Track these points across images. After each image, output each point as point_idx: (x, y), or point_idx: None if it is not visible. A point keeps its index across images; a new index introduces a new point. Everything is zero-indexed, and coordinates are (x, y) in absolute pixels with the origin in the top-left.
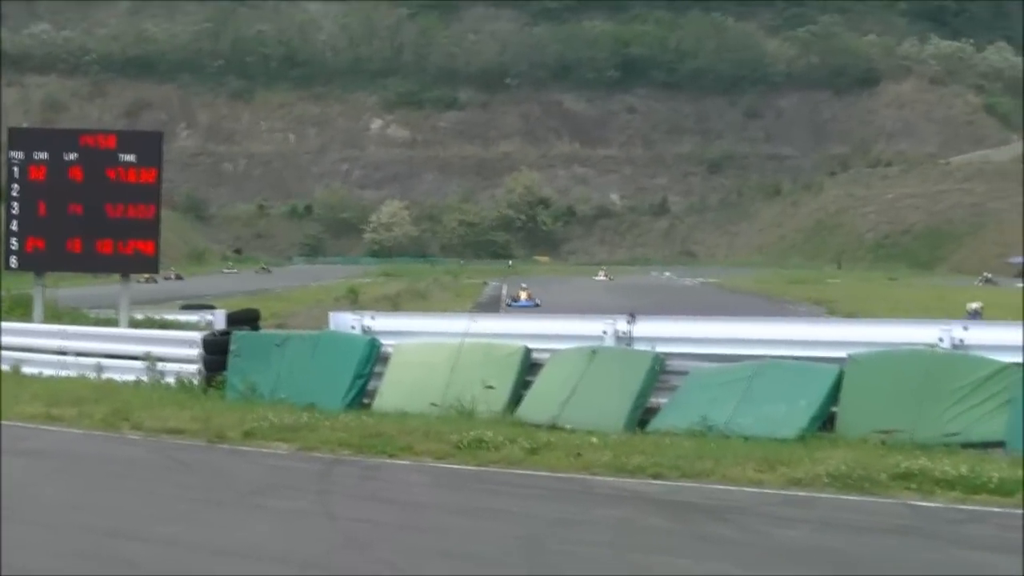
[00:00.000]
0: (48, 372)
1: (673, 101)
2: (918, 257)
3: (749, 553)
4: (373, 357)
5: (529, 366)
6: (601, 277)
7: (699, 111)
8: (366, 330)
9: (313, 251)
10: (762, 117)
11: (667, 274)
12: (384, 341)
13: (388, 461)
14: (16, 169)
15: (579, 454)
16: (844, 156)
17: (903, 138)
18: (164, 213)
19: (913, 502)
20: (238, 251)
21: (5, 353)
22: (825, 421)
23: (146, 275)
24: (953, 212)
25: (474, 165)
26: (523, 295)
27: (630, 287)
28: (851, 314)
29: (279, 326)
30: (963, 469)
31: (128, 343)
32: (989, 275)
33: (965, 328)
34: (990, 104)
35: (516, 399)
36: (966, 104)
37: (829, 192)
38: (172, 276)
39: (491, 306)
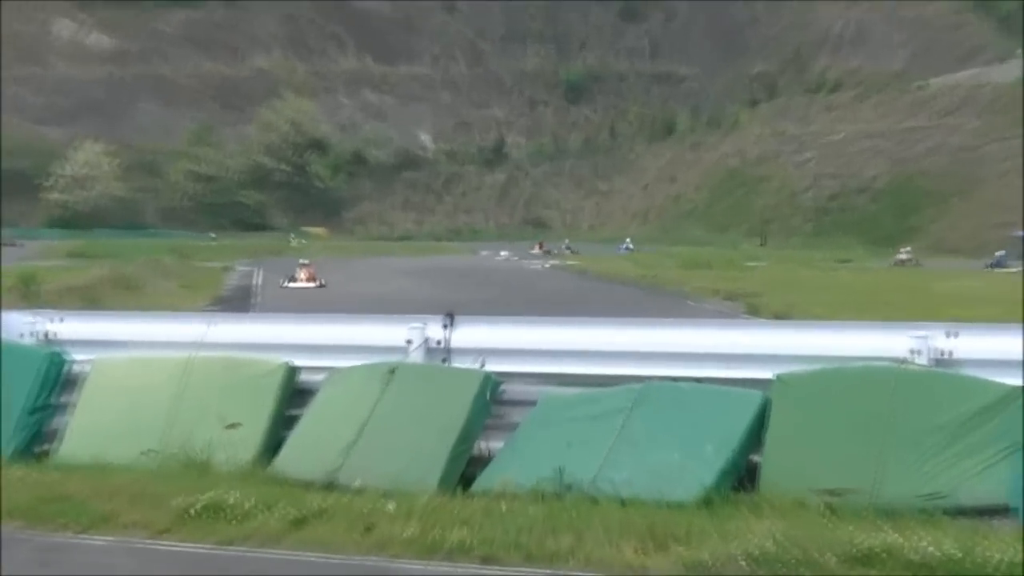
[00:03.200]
0: None
1: None
2: (880, 228)
3: None
4: (57, 380)
5: (294, 393)
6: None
7: (552, 10)
8: (47, 338)
9: None
10: (646, 19)
11: (504, 253)
12: (75, 355)
13: (77, 539)
14: None
15: (370, 527)
16: (769, 77)
17: (857, 50)
18: None
19: None
20: None
21: None
22: (742, 476)
23: None
24: (931, 160)
25: (214, 90)
26: (302, 274)
27: (448, 273)
28: (781, 314)
29: None
30: (950, 547)
31: None
32: (906, 253)
33: (952, 335)
34: (983, 1)
35: (274, 443)
36: (949, 2)
37: (747, 130)
38: None
39: (239, 302)
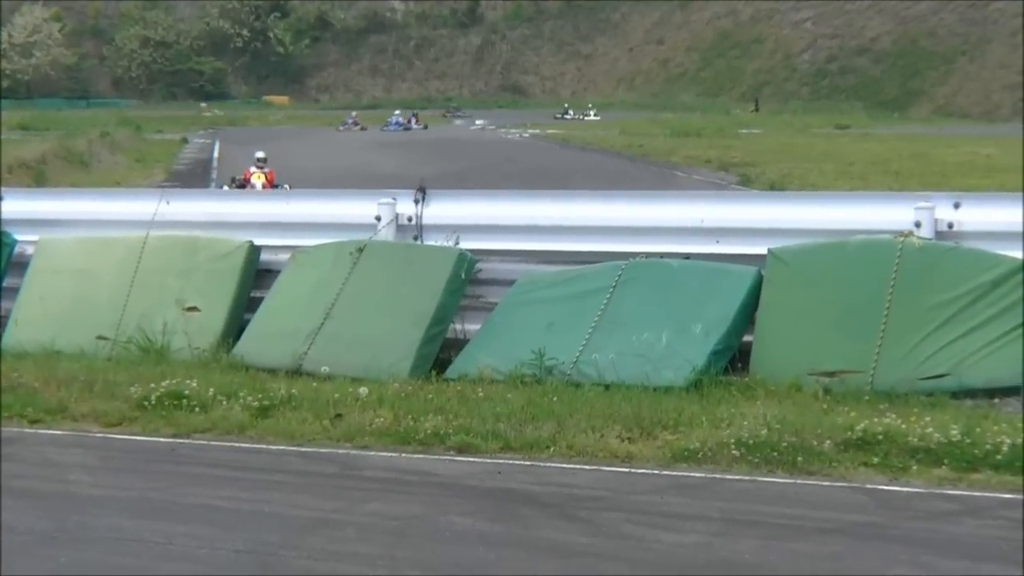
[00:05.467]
0: None
1: None
2: (882, 92)
3: (613, 572)
4: (2, 262)
5: (256, 274)
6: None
7: None
8: None
9: None
10: None
11: (480, 122)
12: (19, 236)
13: (28, 430)
14: None
15: (339, 415)
16: None
17: None
18: None
19: (875, 486)
20: None
21: None
22: (734, 357)
23: None
24: (937, 19)
25: None
26: (258, 179)
27: (420, 143)
28: (776, 185)
29: None
30: (954, 432)
31: None
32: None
33: (957, 206)
34: None
35: (236, 328)
36: None
37: None
38: None
39: (195, 177)
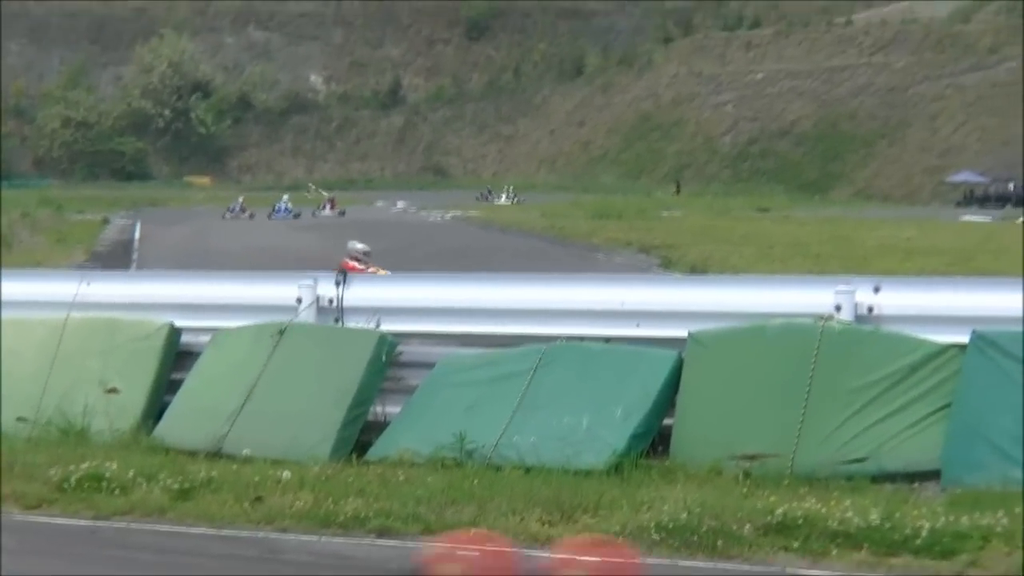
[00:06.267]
0: None
1: None
2: (803, 174)
3: None
4: None
5: (177, 355)
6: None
7: None
8: None
9: None
10: None
11: (401, 204)
12: None
13: None
14: None
15: (259, 497)
16: (684, 12)
17: None
18: None
19: (796, 570)
20: None
21: None
22: (654, 440)
23: None
24: (858, 102)
25: (88, 26)
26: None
27: (341, 225)
28: (697, 268)
29: None
30: (874, 516)
31: None
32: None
33: (877, 289)
34: None
35: (156, 410)
36: None
37: (662, 70)
38: None
39: (117, 257)
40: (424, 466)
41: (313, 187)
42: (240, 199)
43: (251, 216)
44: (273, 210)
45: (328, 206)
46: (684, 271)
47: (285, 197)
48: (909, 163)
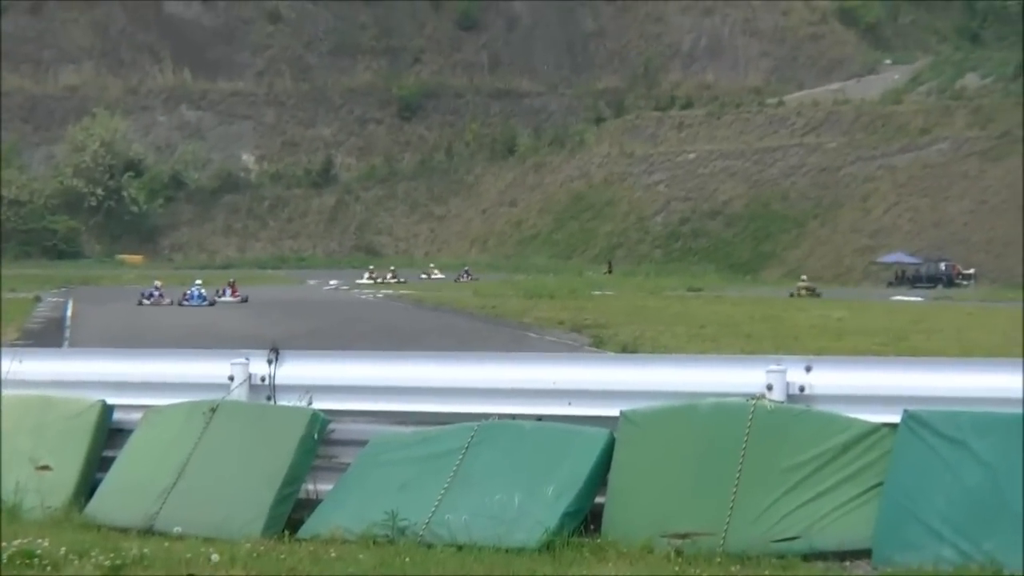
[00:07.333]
0: None
1: (343, 3)
2: (735, 254)
3: None
4: None
5: (109, 433)
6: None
7: (383, 18)
8: None
9: None
10: (485, 28)
11: (333, 283)
12: None
13: None
14: None
15: (191, 575)
16: (617, 93)
17: (710, 64)
18: None
19: None
20: None
21: None
22: (586, 518)
23: None
24: (789, 182)
25: (20, 106)
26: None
27: (273, 304)
28: (629, 347)
29: None
30: None
31: None
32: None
33: (808, 369)
34: (847, 9)
35: (88, 487)
36: (809, 9)
37: (594, 150)
38: None
39: (49, 335)
40: (356, 544)
41: (159, 284)
42: (157, 283)
43: (170, 303)
44: (184, 297)
45: (227, 291)
46: (616, 350)
47: (198, 282)
48: (840, 243)
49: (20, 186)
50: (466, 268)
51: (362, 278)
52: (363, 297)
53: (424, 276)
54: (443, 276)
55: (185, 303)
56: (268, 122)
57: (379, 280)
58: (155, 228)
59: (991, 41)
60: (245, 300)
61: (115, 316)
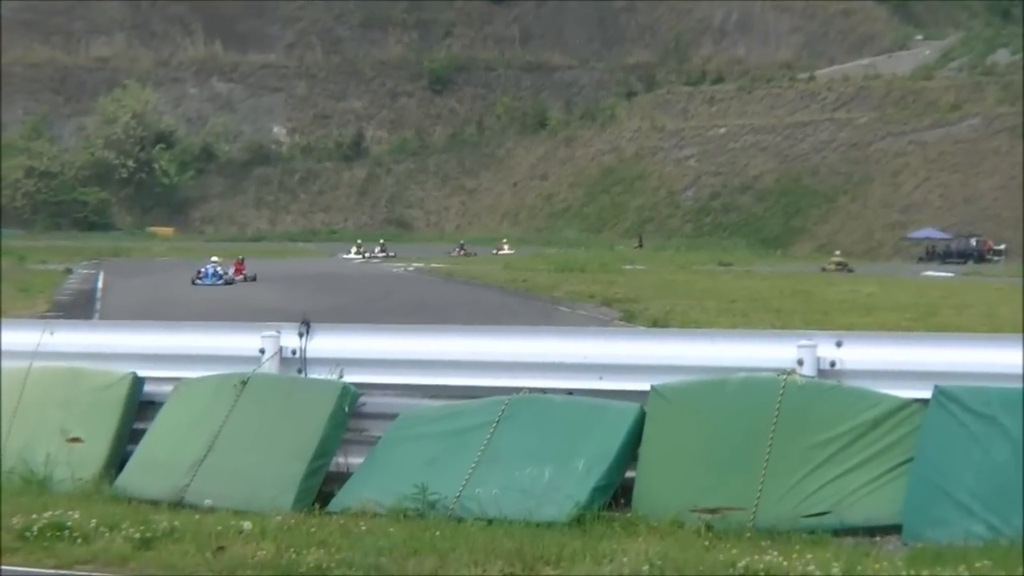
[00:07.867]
0: None
1: None
2: (765, 229)
3: None
4: None
5: (140, 405)
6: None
7: None
8: None
9: None
10: (516, 2)
11: (364, 256)
12: None
13: None
14: None
15: (221, 547)
16: (648, 67)
17: (741, 39)
18: None
19: None
20: None
21: None
22: (616, 493)
23: None
24: (820, 157)
25: (50, 77)
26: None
27: (304, 276)
28: (659, 322)
29: None
30: (835, 570)
31: None
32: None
33: (839, 344)
34: None
35: (119, 459)
36: None
37: (624, 125)
38: None
39: (80, 307)
40: (386, 517)
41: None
42: (214, 259)
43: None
44: (198, 275)
45: (230, 270)
46: (646, 324)
47: (214, 259)
48: (871, 219)
49: (51, 158)
50: (462, 243)
51: (349, 252)
52: (393, 270)
53: (496, 251)
54: (512, 252)
55: (198, 282)
56: (299, 95)
57: (367, 255)
58: (186, 200)
59: (1022, 17)
60: (253, 279)
61: (146, 288)
